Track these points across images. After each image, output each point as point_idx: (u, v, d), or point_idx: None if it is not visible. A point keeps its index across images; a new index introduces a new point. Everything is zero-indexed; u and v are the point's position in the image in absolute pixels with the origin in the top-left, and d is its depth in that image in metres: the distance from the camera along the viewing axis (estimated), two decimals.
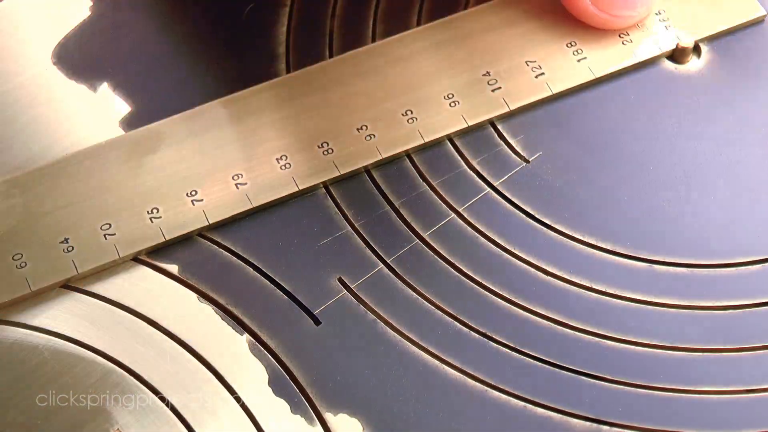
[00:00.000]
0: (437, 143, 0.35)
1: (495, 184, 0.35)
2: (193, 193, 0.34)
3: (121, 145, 0.35)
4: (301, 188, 0.34)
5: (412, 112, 0.35)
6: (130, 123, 0.36)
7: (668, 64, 0.37)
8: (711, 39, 0.37)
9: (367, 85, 0.36)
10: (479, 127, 0.35)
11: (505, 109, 0.35)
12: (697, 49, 0.37)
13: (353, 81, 0.36)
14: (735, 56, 0.37)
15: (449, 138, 0.35)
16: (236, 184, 0.34)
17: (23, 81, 0.37)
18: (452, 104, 0.35)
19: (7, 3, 0.39)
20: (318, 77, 0.36)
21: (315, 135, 0.35)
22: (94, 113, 0.36)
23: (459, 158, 0.35)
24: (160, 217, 0.33)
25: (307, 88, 0.36)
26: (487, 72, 0.36)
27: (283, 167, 0.34)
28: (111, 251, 0.33)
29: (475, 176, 0.35)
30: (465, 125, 0.35)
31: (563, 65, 0.36)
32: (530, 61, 0.36)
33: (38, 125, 0.36)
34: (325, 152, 0.34)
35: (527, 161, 0.35)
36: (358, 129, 0.35)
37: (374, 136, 0.35)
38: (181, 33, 0.38)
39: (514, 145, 0.35)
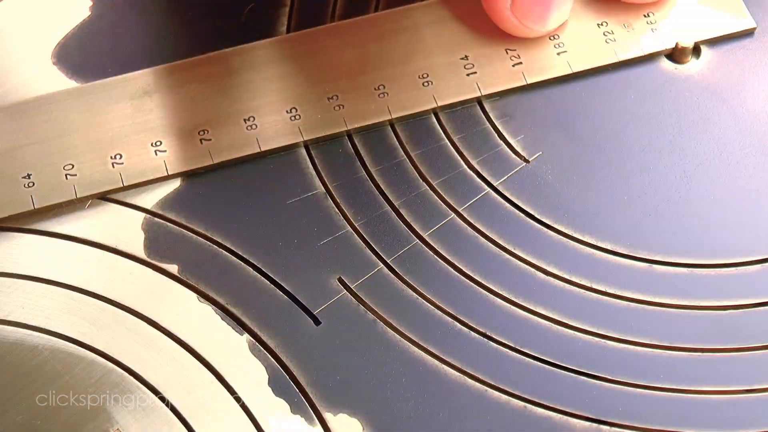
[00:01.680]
0: (437, 143, 0.35)
1: (495, 184, 0.35)
2: (158, 143, 0.35)
3: (93, 91, 0.36)
4: (263, 149, 0.35)
5: (384, 87, 0.36)
6: None
7: (668, 64, 0.37)
8: (710, 39, 0.37)
9: (345, 57, 0.36)
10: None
11: (477, 94, 0.36)
12: (696, 50, 0.37)
13: (331, 52, 0.36)
14: (735, 56, 0.37)
15: (450, 139, 0.35)
16: (201, 140, 0.35)
17: (23, 81, 0.37)
18: (425, 84, 0.36)
19: (8, 3, 0.39)
20: (298, 45, 0.37)
21: (285, 100, 0.35)
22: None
23: (459, 158, 0.35)
24: (122, 163, 0.34)
25: (284, 54, 0.36)
26: (465, 56, 0.36)
27: (249, 128, 0.35)
28: (69, 191, 0.34)
29: (475, 176, 0.35)
30: (434, 105, 0.36)
31: (542, 57, 0.36)
32: (510, 50, 0.36)
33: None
34: (293, 117, 0.35)
35: (527, 161, 0.35)
36: (328, 98, 0.35)
37: (343, 106, 0.35)
38: (180, 34, 0.38)
39: (514, 145, 0.35)
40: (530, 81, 0.36)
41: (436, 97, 0.36)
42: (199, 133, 0.35)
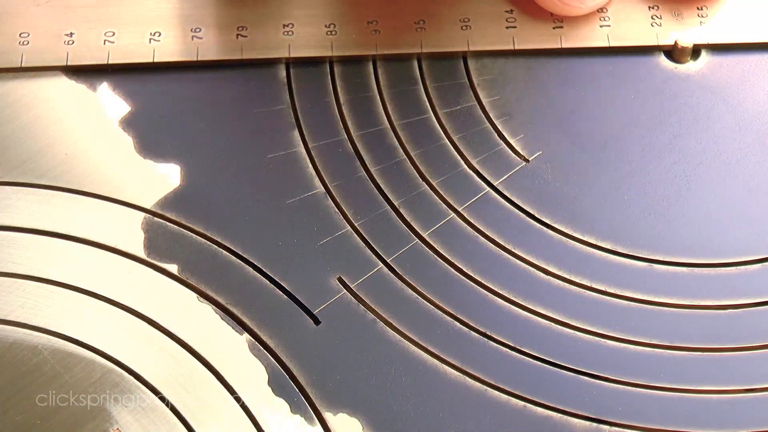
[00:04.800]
0: (437, 142, 0.35)
1: (495, 183, 0.35)
2: (197, 30, 0.37)
3: None
4: (292, 56, 0.36)
5: (423, 23, 0.37)
6: (130, 123, 0.36)
7: (668, 64, 0.37)
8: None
9: None
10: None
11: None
12: (696, 49, 0.37)
13: None
14: (734, 56, 0.37)
15: (450, 138, 0.35)
16: (237, 35, 0.37)
17: (22, 80, 0.37)
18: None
19: None
20: None
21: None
22: (94, 113, 0.36)
23: (458, 158, 0.35)
24: (159, 41, 0.36)
25: None
26: (511, 9, 0.37)
27: (285, 33, 0.37)
28: (104, 56, 0.36)
29: (475, 176, 0.35)
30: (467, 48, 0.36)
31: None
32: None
33: (38, 125, 0.36)
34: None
35: (527, 161, 0.35)
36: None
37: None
38: None
39: (514, 144, 0.35)
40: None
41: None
42: (237, 28, 0.36)
